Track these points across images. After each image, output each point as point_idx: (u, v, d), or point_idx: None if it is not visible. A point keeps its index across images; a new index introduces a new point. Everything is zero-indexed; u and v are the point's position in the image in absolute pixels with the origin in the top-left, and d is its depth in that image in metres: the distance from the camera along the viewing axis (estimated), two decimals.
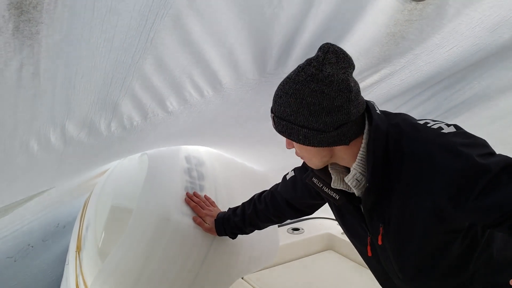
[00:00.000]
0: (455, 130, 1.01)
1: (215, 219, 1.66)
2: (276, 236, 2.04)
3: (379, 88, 1.54)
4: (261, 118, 1.69)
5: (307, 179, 1.25)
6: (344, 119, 1.02)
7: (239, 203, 1.77)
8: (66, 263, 1.85)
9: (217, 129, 1.76)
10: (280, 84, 1.09)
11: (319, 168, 1.17)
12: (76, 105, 1.08)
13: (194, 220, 1.65)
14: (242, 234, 1.69)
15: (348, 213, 1.24)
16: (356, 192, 1.13)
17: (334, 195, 1.19)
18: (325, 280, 2.36)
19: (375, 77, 1.48)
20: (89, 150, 1.37)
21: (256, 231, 1.68)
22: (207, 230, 1.65)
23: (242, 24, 1.10)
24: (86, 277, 1.54)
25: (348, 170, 1.14)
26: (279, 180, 2.41)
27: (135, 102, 1.21)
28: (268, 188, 1.64)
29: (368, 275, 2.55)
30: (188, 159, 1.84)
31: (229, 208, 1.69)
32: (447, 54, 1.39)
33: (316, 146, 1.06)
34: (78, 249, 1.73)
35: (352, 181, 1.11)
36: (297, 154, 1.17)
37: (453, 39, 1.34)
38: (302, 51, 1.29)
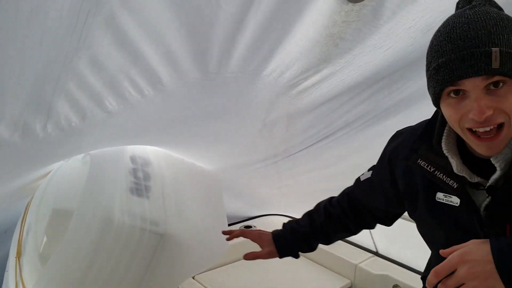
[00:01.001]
0: None
1: (273, 236, 1.42)
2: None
3: (320, 88, 1.58)
4: (208, 116, 1.69)
5: (409, 161, 1.03)
6: None
7: (188, 204, 1.75)
8: (6, 270, 1.78)
9: (164, 128, 1.75)
10: (470, 17, 0.85)
11: (507, 142, 0.89)
12: (5, 106, 1.04)
13: (248, 257, 1.41)
14: (307, 251, 1.42)
15: (451, 209, 1.02)
16: (494, 177, 0.92)
17: (450, 182, 0.97)
18: (278, 276, 2.38)
19: (317, 77, 1.52)
20: (26, 152, 1.32)
21: (206, 228, 1.60)
22: (267, 254, 1.41)
23: (180, 24, 1.09)
24: (26, 283, 1.50)
25: (467, 154, 0.98)
26: (230, 178, 2.42)
27: (71, 102, 1.17)
28: (219, 188, 1.59)
29: (320, 270, 2.63)
30: (133, 159, 1.81)
31: (284, 223, 1.45)
32: (384, 54, 1.43)
33: None
34: (18, 255, 1.67)
35: (501, 163, 0.90)
36: (493, 119, 0.84)
37: (390, 39, 1.39)
38: (244, 50, 1.29)
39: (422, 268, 1.33)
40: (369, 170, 1.31)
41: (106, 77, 1.14)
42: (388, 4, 1.28)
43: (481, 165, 0.94)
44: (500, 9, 0.90)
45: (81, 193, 1.53)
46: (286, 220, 2.84)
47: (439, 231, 1.08)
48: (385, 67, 1.51)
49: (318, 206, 1.42)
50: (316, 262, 2.52)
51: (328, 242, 1.41)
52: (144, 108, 1.38)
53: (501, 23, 0.83)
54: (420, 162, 1.00)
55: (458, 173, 0.95)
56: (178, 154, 2.10)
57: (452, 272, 0.80)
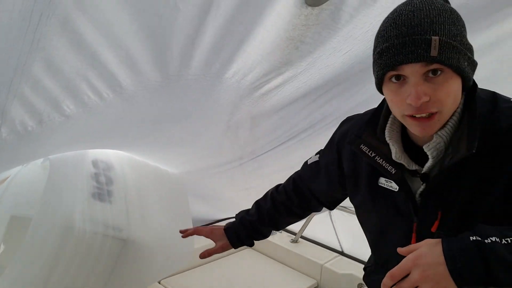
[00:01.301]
0: None
1: (224, 229, 1.45)
2: (191, 237, 2.03)
3: (283, 90, 1.59)
4: (171, 119, 1.68)
5: (353, 145, 1.07)
6: (475, 65, 0.93)
7: (152, 208, 1.73)
8: None
9: (126, 132, 1.72)
10: (417, 5, 0.88)
11: (440, 127, 0.93)
12: None
13: (203, 255, 1.42)
14: (259, 238, 1.46)
15: (390, 194, 1.06)
16: (428, 165, 0.97)
17: (389, 168, 1.01)
18: (245, 278, 2.39)
19: (279, 79, 1.53)
20: None
21: (171, 233, 1.62)
22: (220, 248, 1.43)
23: (138, 26, 1.08)
24: None
25: (408, 142, 1.02)
26: (196, 181, 2.40)
27: (26, 107, 1.14)
28: (184, 191, 1.59)
29: (286, 271, 2.65)
30: (95, 163, 1.77)
31: (236, 214, 1.50)
32: (343, 57, 1.46)
33: (469, 81, 0.91)
34: None
35: (433, 151, 0.95)
36: (427, 107, 0.88)
37: (348, 43, 1.42)
38: (205, 53, 1.29)
39: None
40: (316, 154, 1.36)
41: (62, 80, 1.12)
42: (345, 8, 1.31)
43: (421, 154, 0.98)
44: (446, 1, 0.94)
45: (40, 199, 1.49)
46: None
47: (378, 216, 1.12)
48: (345, 70, 1.54)
49: (266, 194, 1.47)
50: (283, 263, 2.54)
51: (277, 227, 1.45)
52: (104, 112, 1.35)
53: (444, 14, 0.86)
54: (363, 147, 1.05)
55: (396, 160, 1.00)
56: (142, 158, 2.08)
57: (407, 275, 0.81)
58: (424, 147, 0.96)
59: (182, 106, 1.58)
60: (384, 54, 0.89)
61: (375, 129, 1.07)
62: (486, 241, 0.78)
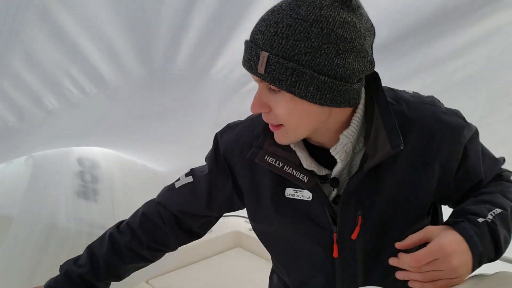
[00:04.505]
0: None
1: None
2: None
3: None
4: (157, 116, 1.65)
5: (255, 158, 0.92)
6: (368, 68, 0.80)
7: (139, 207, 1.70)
8: None
9: (111, 129, 1.69)
10: (279, 8, 0.75)
11: (297, 140, 0.89)
12: None
13: None
14: None
15: (302, 205, 0.95)
16: (337, 169, 0.89)
17: (301, 176, 0.90)
18: (233, 277, 2.37)
19: None
20: None
21: None
22: None
23: (121, 19, 1.06)
24: None
25: (312, 147, 0.93)
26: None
27: (6, 102, 1.12)
28: None
29: None
30: (80, 161, 1.74)
31: (60, 266, 1.10)
32: None
33: (325, 104, 0.77)
34: None
35: (341, 153, 0.86)
36: (270, 118, 0.83)
37: None
38: (190, 48, 1.27)
39: None
40: (187, 175, 1.11)
41: (43, 74, 1.09)
42: None
43: (327, 157, 0.89)
44: (352, 11, 0.76)
45: (21, 197, 1.46)
46: (243, 221, 2.85)
47: (291, 232, 0.99)
48: None
49: (104, 235, 1.12)
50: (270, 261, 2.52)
51: (119, 277, 1.11)
52: (88, 108, 1.33)
53: (298, 25, 0.72)
54: (268, 158, 0.91)
55: (307, 168, 0.90)
56: (128, 156, 2.05)
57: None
58: (331, 150, 0.87)
59: (168, 103, 1.56)
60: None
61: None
62: (488, 219, 0.79)
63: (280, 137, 0.85)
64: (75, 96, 1.23)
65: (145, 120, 1.64)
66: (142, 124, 1.66)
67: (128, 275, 1.14)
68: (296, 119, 0.80)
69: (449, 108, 0.92)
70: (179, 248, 1.18)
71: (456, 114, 0.91)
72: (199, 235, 1.18)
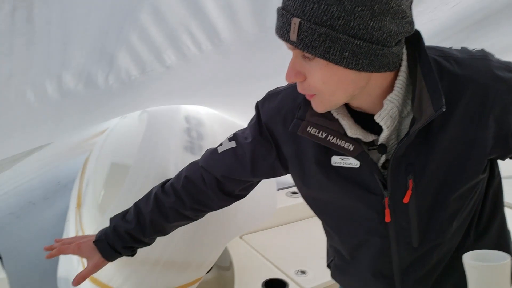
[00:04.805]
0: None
1: (94, 241, 1.17)
2: (274, 197, 2.05)
3: None
4: (262, 76, 1.67)
5: (298, 130, 0.90)
6: (408, 30, 0.76)
7: None
8: (67, 220, 1.88)
9: (218, 88, 1.75)
10: None
11: (335, 107, 0.86)
12: (72, 55, 1.07)
13: (75, 282, 1.14)
14: (142, 246, 1.22)
15: (351, 172, 0.93)
16: (384, 135, 0.86)
17: (346, 145, 0.87)
18: (322, 242, 2.38)
19: None
20: (87, 104, 1.36)
21: (254, 189, 1.26)
22: (93, 267, 1.16)
23: None
24: (86, 231, 1.57)
25: (356, 112, 0.90)
26: None
27: (132, 55, 1.19)
28: None
29: None
30: (188, 119, 1.83)
31: (111, 218, 1.21)
32: (451, 11, 1.36)
33: (362, 70, 0.74)
34: (78, 206, 1.75)
35: (386, 119, 0.83)
36: (304, 88, 0.82)
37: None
38: None
39: None
40: (230, 140, 1.12)
41: (166, 29, 1.15)
42: None
43: (374, 122, 0.85)
44: None
45: (138, 148, 1.57)
46: None
47: (342, 198, 0.98)
48: (451, 26, 1.44)
49: (149, 194, 1.20)
50: None
51: (163, 233, 1.21)
52: (201, 64, 1.38)
53: None
54: (310, 129, 0.89)
55: (352, 136, 0.87)
56: (230, 117, 2.11)
57: None
58: (375, 117, 0.83)
59: (278, 64, 1.57)
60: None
61: None
62: None
63: (317, 105, 0.84)
64: (191, 52, 1.27)
65: (251, 79, 1.66)
66: (248, 83, 1.69)
67: (172, 231, 1.23)
68: (331, 86, 0.78)
69: (502, 61, 0.86)
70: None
71: (509, 67, 0.85)
72: (241, 197, 1.22)
